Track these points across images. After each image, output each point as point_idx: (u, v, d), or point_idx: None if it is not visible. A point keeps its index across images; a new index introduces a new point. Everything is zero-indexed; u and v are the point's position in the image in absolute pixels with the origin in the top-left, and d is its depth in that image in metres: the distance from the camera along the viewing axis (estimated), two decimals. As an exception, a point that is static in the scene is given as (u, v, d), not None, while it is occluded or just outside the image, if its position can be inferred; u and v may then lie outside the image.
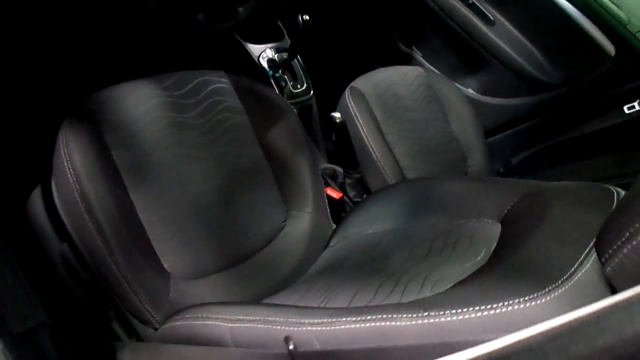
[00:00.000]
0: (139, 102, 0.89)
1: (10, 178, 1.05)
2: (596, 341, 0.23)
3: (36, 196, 0.90)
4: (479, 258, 0.61)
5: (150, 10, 0.87)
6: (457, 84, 1.58)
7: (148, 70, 0.96)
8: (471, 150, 1.41)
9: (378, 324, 0.43)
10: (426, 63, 1.73)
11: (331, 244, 0.97)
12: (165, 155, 0.87)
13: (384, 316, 0.43)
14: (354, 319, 0.44)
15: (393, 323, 0.42)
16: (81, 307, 0.91)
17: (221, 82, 1.01)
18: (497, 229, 0.69)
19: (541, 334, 0.27)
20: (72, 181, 0.75)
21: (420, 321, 0.41)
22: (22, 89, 1.15)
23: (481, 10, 1.49)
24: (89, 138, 0.80)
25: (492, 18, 1.47)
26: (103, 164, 0.79)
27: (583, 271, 0.43)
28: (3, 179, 1.04)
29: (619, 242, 0.36)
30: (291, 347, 0.45)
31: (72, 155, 0.76)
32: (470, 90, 1.62)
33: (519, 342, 0.27)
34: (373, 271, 0.69)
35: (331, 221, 1.03)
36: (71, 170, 0.75)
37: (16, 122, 1.13)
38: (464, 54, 1.59)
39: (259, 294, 0.85)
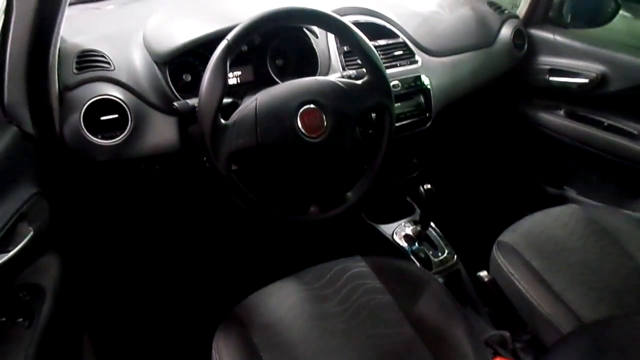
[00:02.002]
0: (282, 301, 0.95)
1: None
2: None
3: None
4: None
5: (272, 215, 0.99)
6: (625, 211, 1.39)
7: (289, 268, 1.03)
8: (673, 280, 1.15)
9: None
10: (584, 199, 1.58)
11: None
12: (312, 348, 0.88)
13: None
14: None
15: None
16: None
17: (358, 266, 1.03)
18: None
19: None
20: None
21: None
22: (181, 304, 1.32)
23: (620, 128, 1.37)
24: (239, 342, 0.87)
25: (635, 132, 1.34)
26: None
27: None
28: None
29: None
30: None
31: None
32: (645, 213, 1.41)
33: None
34: None
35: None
36: None
37: (178, 333, 1.27)
38: (622, 177, 1.43)
39: None
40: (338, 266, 1.03)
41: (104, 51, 1.00)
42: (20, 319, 0.87)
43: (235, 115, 0.91)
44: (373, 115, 1.13)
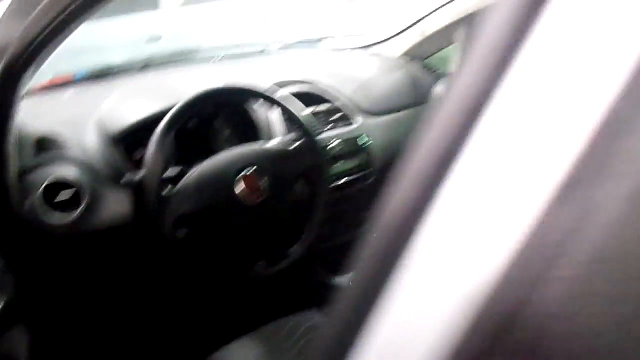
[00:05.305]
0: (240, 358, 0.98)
1: None
2: None
3: None
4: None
5: (222, 275, 1.05)
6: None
7: (246, 326, 1.08)
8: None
9: None
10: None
11: None
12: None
13: None
14: None
15: None
16: None
17: (312, 320, 1.08)
18: None
19: None
20: None
21: None
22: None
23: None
24: None
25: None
26: None
27: None
28: None
29: None
30: None
31: None
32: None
33: None
34: None
35: None
36: None
37: None
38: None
39: None
40: (293, 321, 1.07)
41: (62, 134, 1.08)
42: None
43: (179, 185, 0.99)
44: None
